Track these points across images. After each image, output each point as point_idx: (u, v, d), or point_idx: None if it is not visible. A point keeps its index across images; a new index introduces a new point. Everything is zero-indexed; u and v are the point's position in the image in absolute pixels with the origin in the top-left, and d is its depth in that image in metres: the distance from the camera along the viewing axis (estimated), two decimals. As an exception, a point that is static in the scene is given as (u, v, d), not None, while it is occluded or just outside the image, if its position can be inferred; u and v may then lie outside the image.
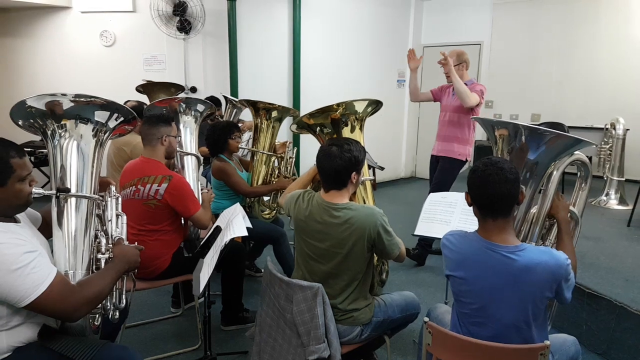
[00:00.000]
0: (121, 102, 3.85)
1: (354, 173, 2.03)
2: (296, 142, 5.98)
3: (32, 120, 1.76)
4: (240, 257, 2.94)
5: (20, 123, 1.78)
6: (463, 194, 1.78)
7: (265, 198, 3.63)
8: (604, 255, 3.47)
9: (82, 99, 1.81)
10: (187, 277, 2.69)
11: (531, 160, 1.89)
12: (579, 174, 2.16)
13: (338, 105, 2.32)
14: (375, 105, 2.42)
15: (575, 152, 1.93)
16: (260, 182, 3.54)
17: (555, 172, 1.95)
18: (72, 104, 1.79)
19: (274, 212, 3.68)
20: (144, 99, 4.83)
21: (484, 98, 3.92)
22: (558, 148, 1.86)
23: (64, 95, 1.77)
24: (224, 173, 3.27)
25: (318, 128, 2.40)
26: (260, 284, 3.63)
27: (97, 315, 1.84)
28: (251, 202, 3.50)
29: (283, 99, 6.27)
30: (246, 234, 1.96)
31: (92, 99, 1.83)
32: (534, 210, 2.01)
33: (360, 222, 1.96)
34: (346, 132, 2.36)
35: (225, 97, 5.00)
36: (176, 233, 2.71)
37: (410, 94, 4.34)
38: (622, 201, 5.03)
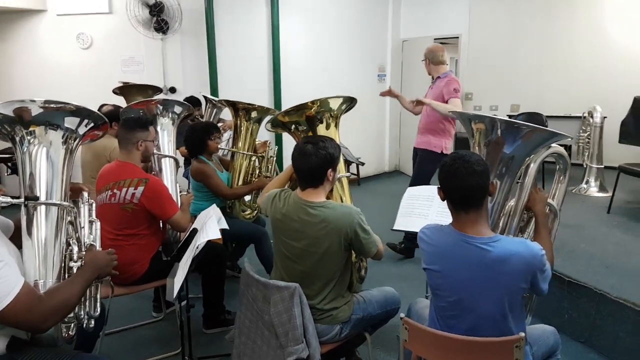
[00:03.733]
0: (99, 104, 3.79)
1: (330, 170, 2.03)
2: (278, 141, 5.97)
3: None
4: (221, 259, 2.92)
5: None
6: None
7: (247, 198, 3.60)
8: (584, 243, 3.51)
9: (51, 105, 1.77)
10: (165, 282, 2.66)
11: (507, 154, 1.90)
12: (557, 166, 2.17)
13: (313, 102, 2.31)
14: (350, 102, 2.41)
15: (553, 145, 1.94)
16: (240, 182, 3.51)
17: (532, 165, 1.95)
18: (41, 110, 1.75)
19: (255, 212, 3.66)
20: (121, 101, 4.77)
21: (459, 92, 3.94)
22: (534, 141, 1.87)
23: (33, 101, 1.73)
24: (203, 175, 3.24)
25: (293, 126, 2.39)
26: (243, 284, 3.63)
27: (72, 325, 1.81)
28: (232, 202, 3.48)
29: (264, 97, 6.24)
30: (219, 236, 1.95)
31: (62, 105, 1.79)
32: (511, 202, 2.02)
33: (336, 221, 1.96)
34: (321, 130, 2.35)
35: (205, 97, 4.95)
36: (154, 237, 2.68)
37: (411, 112, 4.40)
38: (602, 188, 5.09)
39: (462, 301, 1.67)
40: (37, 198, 1.70)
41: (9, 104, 1.72)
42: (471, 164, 1.63)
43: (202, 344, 2.83)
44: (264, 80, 6.31)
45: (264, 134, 5.48)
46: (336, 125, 2.40)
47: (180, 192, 3.00)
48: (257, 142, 3.67)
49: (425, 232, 1.81)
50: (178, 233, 2.92)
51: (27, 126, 1.75)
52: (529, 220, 2.12)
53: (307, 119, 2.33)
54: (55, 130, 1.79)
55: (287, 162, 5.89)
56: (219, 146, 3.41)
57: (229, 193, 3.35)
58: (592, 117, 5.24)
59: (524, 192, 2.01)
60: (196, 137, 3.27)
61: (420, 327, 1.64)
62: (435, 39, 7.35)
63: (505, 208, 2.04)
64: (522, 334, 1.54)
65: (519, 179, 2.02)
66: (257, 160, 3.62)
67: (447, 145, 4.00)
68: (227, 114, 4.58)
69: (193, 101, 4.67)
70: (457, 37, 7.22)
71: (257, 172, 3.62)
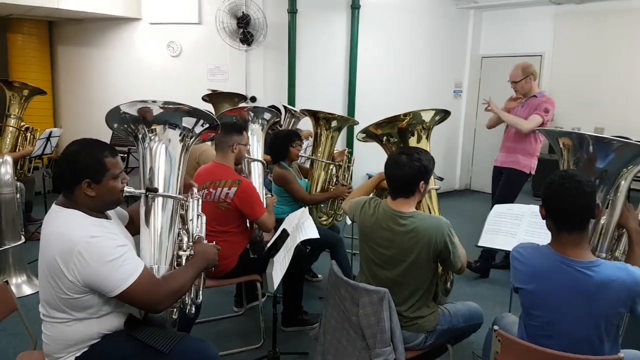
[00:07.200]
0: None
1: (422, 182, 2.07)
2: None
3: (125, 125, 1.92)
4: (301, 259, 3.03)
5: (115, 126, 1.94)
6: (530, 206, 1.79)
7: (323, 205, 3.72)
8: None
9: (170, 106, 1.95)
10: (252, 278, 2.82)
11: (600, 169, 1.88)
12: None
13: (405, 115, 2.37)
14: (443, 114, 2.45)
15: None
16: (318, 189, 3.64)
17: (623, 182, 1.93)
18: (161, 110, 1.93)
19: (331, 218, 3.76)
20: (209, 107, 5.03)
21: (550, 113, 3.84)
22: (626, 157, 1.85)
23: (154, 102, 1.91)
24: (285, 180, 3.39)
25: (385, 137, 2.46)
26: (317, 288, 3.72)
27: (175, 310, 1.96)
28: (309, 208, 3.59)
29: (337, 109, 6.36)
30: (317, 236, 2.04)
31: (179, 106, 1.97)
32: (603, 221, 1.99)
33: (426, 232, 2.00)
34: (412, 142, 2.40)
35: (285, 107, 5.13)
36: (242, 235, 2.84)
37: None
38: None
39: (556, 323, 1.66)
40: (156, 190, 1.87)
41: (133, 104, 1.90)
42: (582, 185, 1.61)
43: (281, 340, 2.91)
44: (339, 93, 6.43)
45: (341, 143, 5.62)
46: (427, 138, 2.44)
47: (265, 194, 3.15)
48: (335, 151, 3.78)
49: (520, 251, 1.81)
50: (262, 233, 3.06)
51: (149, 125, 1.93)
52: (620, 238, 2.08)
53: (398, 131, 2.39)
54: (174, 129, 1.96)
55: (358, 171, 5.96)
56: (299, 154, 3.56)
57: (308, 199, 3.48)
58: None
59: (616, 209, 1.98)
60: (279, 143, 3.45)
61: (516, 340, 1.65)
62: (516, 57, 7.20)
63: (597, 226, 2.01)
64: (622, 355, 1.52)
65: (609, 198, 1.98)
66: (334, 168, 3.73)
67: (534, 166, 3.92)
68: (304, 124, 4.74)
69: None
70: (540, 56, 7.04)
71: (335, 180, 3.73)
